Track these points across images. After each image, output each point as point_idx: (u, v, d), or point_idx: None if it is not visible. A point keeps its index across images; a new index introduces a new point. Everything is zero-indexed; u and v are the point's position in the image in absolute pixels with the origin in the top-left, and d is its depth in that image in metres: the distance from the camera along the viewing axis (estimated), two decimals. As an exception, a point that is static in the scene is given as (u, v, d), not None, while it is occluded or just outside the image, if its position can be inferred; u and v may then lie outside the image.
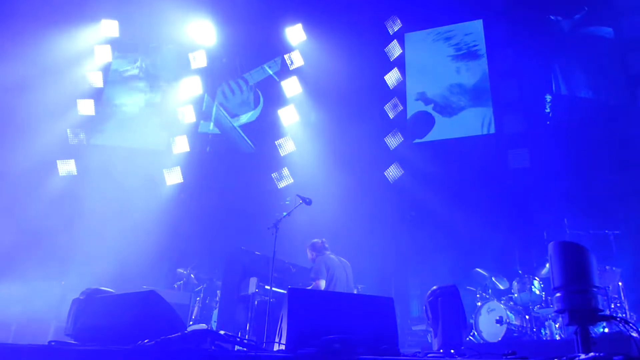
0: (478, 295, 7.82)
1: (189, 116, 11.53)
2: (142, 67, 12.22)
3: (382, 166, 10.62)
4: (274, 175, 10.87)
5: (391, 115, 11.01)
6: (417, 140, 11.10)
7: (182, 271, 9.34)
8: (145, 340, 3.42)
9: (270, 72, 12.44)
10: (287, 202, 10.31)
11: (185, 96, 11.69)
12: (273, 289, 6.47)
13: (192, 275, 9.25)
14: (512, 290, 7.56)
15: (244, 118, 12.18)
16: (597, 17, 10.37)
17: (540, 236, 7.89)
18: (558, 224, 7.76)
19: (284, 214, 6.82)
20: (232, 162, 11.62)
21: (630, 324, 3.46)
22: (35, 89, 10.76)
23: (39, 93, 10.77)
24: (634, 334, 3.42)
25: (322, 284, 6.63)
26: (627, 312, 6.63)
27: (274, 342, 4.08)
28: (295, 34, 11.75)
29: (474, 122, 10.83)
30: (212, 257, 9.49)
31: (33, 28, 10.93)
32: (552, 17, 10.76)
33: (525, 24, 10.87)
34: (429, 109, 11.30)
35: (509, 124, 10.32)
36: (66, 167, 10.69)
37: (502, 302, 7.27)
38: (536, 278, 7.46)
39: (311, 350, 3.13)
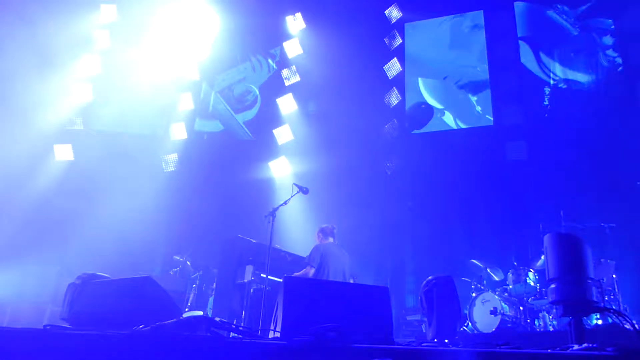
0: (473, 286, 7.86)
1: (187, 103, 11.49)
2: (141, 52, 12.12)
3: (380, 156, 10.61)
4: (271, 163, 10.85)
5: (390, 105, 10.97)
6: (415, 131, 11.09)
7: (178, 258, 9.36)
8: (141, 326, 3.42)
9: (272, 64, 12.37)
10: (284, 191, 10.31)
11: (183, 83, 11.64)
12: (269, 277, 6.47)
13: (188, 262, 9.27)
14: (507, 282, 7.60)
15: (242, 117, 12.12)
16: (598, 9, 10.33)
17: (536, 228, 7.91)
18: (554, 216, 7.78)
19: (281, 202, 6.82)
20: (229, 150, 11.59)
21: (624, 316, 3.48)
22: (34, 75, 10.69)
23: (37, 78, 10.70)
24: (628, 326, 3.44)
25: (311, 272, 6.65)
26: (621, 305, 6.67)
27: (269, 329, 4.09)
28: (294, 22, 11.69)
29: (472, 113, 10.82)
30: (208, 245, 9.49)
31: (31, 13, 10.85)
32: (552, 10, 10.72)
33: (526, 16, 10.84)
34: (428, 99, 11.27)
35: (507, 115, 10.31)
36: (63, 152, 10.66)
37: (496, 293, 7.30)
38: (531, 270, 7.50)
39: (306, 339, 3.13)
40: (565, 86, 10.18)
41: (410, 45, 11.67)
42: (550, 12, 10.75)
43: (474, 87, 10.99)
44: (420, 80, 11.41)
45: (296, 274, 6.84)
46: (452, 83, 11.21)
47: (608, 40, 10.13)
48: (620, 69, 9.90)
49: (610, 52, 10.06)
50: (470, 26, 11.48)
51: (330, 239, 7.10)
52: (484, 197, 9.59)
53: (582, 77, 10.11)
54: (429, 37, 11.73)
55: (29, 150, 10.18)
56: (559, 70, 10.31)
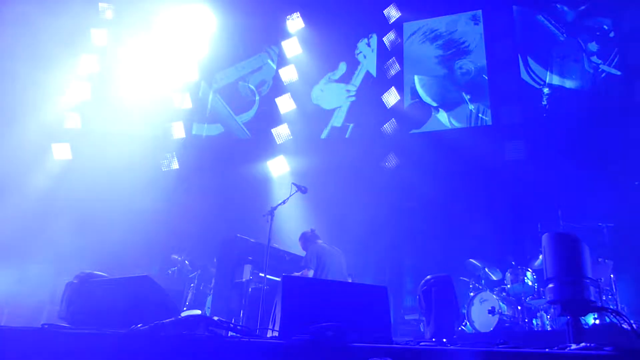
0: (471, 286, 7.87)
1: (186, 102, 11.48)
2: (139, 51, 12.11)
3: (379, 156, 10.60)
4: (269, 162, 10.85)
5: (388, 104, 10.95)
6: (413, 131, 11.08)
7: (176, 257, 9.35)
8: (139, 325, 3.42)
9: (271, 63, 12.35)
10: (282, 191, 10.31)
11: (181, 82, 11.63)
12: (267, 276, 6.47)
13: (186, 261, 9.27)
14: (505, 281, 7.61)
15: (239, 119, 12.11)
16: (596, 9, 10.35)
17: (534, 228, 7.91)
18: (552, 215, 7.78)
19: (280, 201, 6.82)
20: (228, 149, 11.58)
21: (622, 316, 3.49)
22: (32, 73, 10.67)
23: (36, 76, 10.69)
24: (625, 326, 3.44)
25: (310, 274, 6.65)
26: (618, 305, 6.68)
27: (267, 328, 4.09)
28: (293, 21, 11.68)
29: (465, 111, 10.82)
30: (206, 244, 9.49)
31: (29, 11, 10.83)
32: (540, 15, 10.75)
33: (524, 16, 10.85)
34: (427, 98, 11.27)
35: (506, 115, 10.31)
36: (61, 151, 10.64)
37: (494, 292, 7.31)
38: (529, 269, 7.51)
39: (304, 338, 3.14)
40: (549, 91, 10.24)
41: (408, 45, 11.66)
42: (539, 17, 10.79)
43: (468, 86, 11.00)
44: (416, 78, 11.41)
45: (295, 274, 6.83)
46: (446, 81, 11.21)
47: (593, 46, 10.19)
48: (603, 75, 9.93)
49: (594, 58, 10.12)
50: (465, 25, 11.47)
51: (319, 241, 7.10)
52: (482, 196, 9.58)
53: (569, 83, 10.15)
54: (424, 35, 11.71)
55: (27, 148, 10.17)
56: (545, 76, 10.36)
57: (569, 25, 10.53)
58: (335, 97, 11.77)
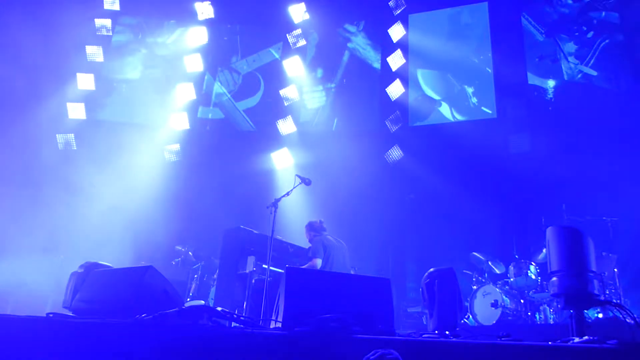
0: (474, 279, 7.88)
1: (190, 94, 11.46)
2: (144, 43, 12.10)
3: (383, 148, 10.58)
4: (273, 154, 10.84)
5: (393, 97, 10.90)
6: (417, 123, 11.05)
7: (180, 248, 9.39)
8: (143, 315, 3.44)
9: (275, 55, 12.29)
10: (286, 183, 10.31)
11: (186, 73, 11.61)
12: (270, 268, 6.49)
13: (190, 252, 9.30)
14: (508, 275, 7.61)
15: (244, 105, 12.08)
16: (603, 2, 10.26)
17: (538, 221, 7.90)
18: (556, 209, 7.77)
19: (283, 193, 6.82)
20: (232, 140, 11.57)
21: (625, 310, 3.48)
22: (34, 65, 10.67)
23: (38, 68, 10.69)
24: (629, 320, 3.44)
25: (318, 263, 6.66)
26: (622, 298, 6.68)
27: (270, 319, 4.11)
28: (298, 12, 11.61)
29: (468, 104, 10.77)
30: (210, 235, 9.51)
31: (34, 3, 10.84)
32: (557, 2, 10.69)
33: (530, 7, 10.77)
34: (427, 90, 11.22)
35: (510, 108, 10.26)
36: (65, 141, 10.67)
37: (497, 286, 7.32)
38: (532, 263, 7.51)
39: (307, 329, 3.15)
40: (555, 85, 10.24)
41: (413, 37, 11.58)
42: (555, 3, 10.72)
43: (471, 79, 10.94)
44: (418, 72, 11.35)
45: (303, 267, 6.83)
46: (449, 74, 11.15)
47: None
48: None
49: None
50: (469, 17, 11.40)
51: (325, 233, 7.11)
52: (486, 189, 9.57)
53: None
54: (427, 28, 11.62)
55: (32, 138, 10.19)
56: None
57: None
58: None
